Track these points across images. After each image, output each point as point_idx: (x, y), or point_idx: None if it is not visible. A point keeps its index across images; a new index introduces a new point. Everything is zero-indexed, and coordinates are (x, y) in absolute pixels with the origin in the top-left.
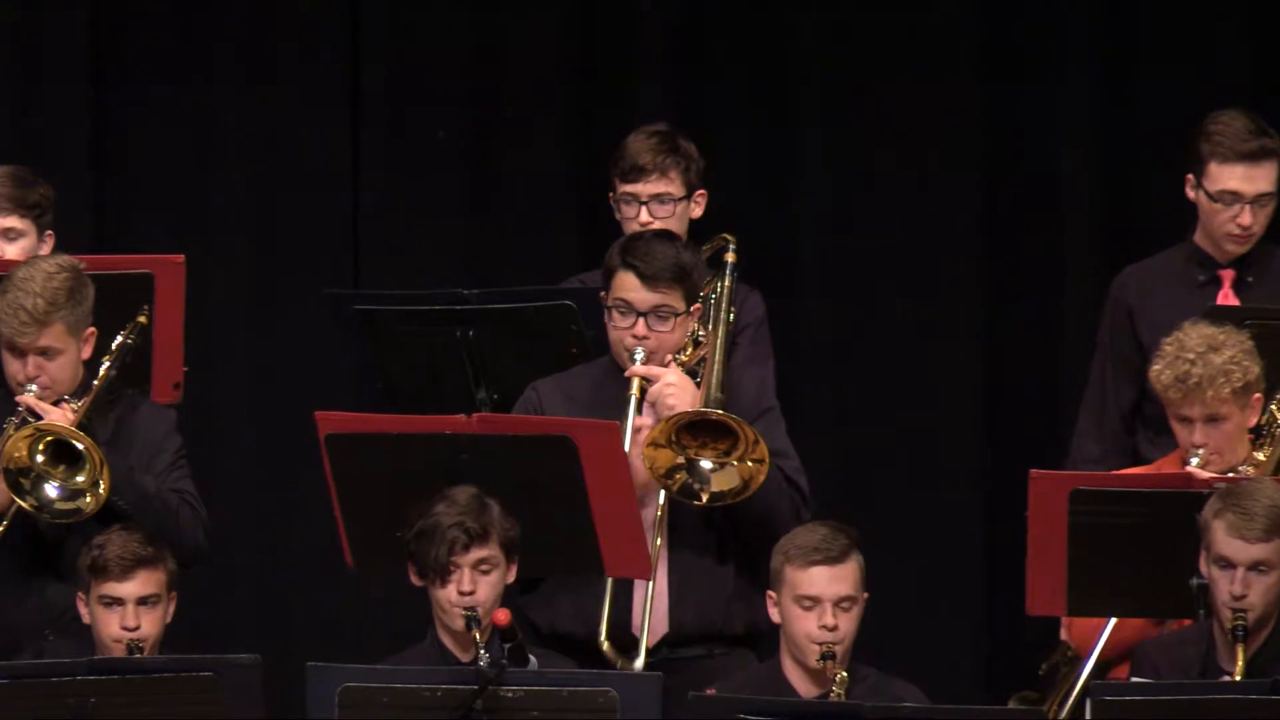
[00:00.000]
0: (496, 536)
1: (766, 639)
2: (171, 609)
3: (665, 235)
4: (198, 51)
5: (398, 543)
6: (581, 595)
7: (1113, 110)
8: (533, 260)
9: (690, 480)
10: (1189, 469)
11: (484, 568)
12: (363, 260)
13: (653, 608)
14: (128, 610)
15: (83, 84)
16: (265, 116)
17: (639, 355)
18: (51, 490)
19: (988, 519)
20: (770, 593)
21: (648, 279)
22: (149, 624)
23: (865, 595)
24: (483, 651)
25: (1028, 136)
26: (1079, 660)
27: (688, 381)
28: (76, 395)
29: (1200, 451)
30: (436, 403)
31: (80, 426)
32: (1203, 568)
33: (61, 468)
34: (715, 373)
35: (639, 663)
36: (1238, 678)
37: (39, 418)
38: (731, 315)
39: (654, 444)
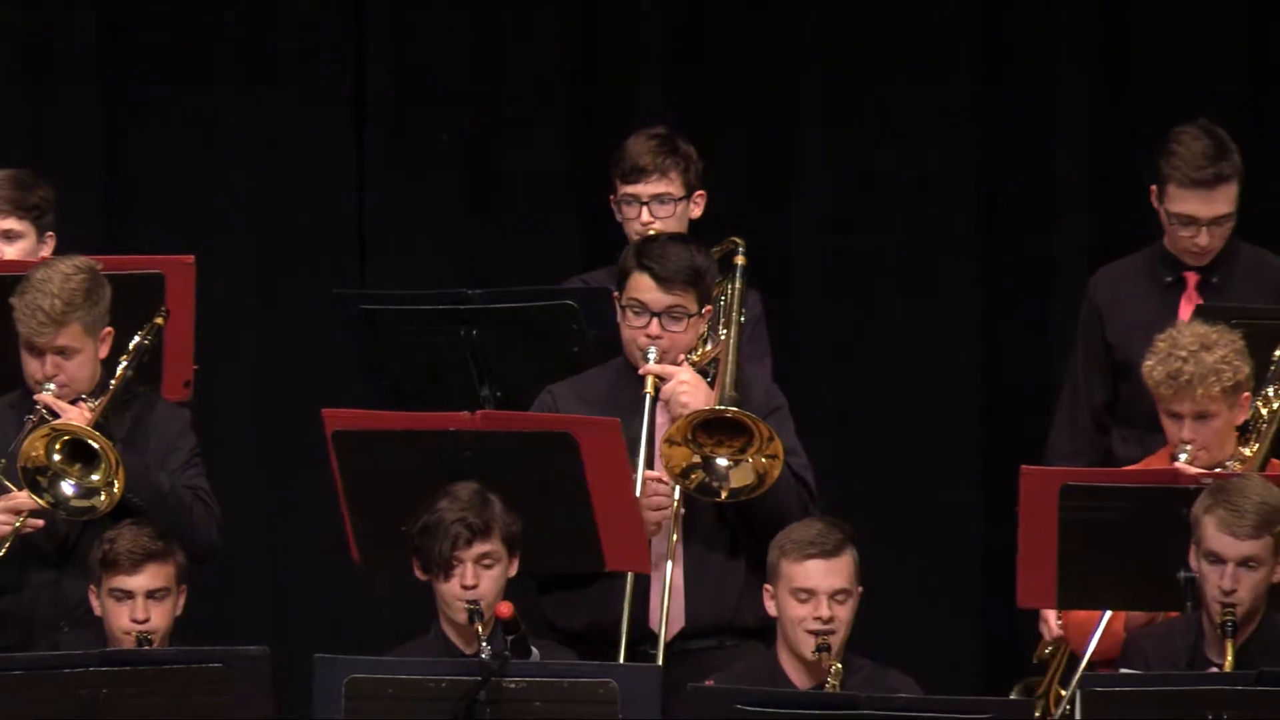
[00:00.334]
0: (498, 531)
1: (776, 631)
2: (181, 602)
3: (679, 238)
4: (203, 53)
5: (403, 538)
6: (596, 593)
7: (1108, 111)
8: (534, 260)
9: (708, 478)
10: (1177, 465)
11: (486, 562)
12: (367, 260)
13: (669, 603)
14: (137, 603)
15: (91, 85)
16: (270, 117)
17: (652, 354)
18: (68, 488)
19: (982, 515)
20: (767, 586)
21: (663, 280)
22: (159, 616)
23: (860, 589)
24: (484, 644)
25: (1025, 137)
26: (1062, 650)
27: (700, 380)
28: (94, 394)
29: (1188, 447)
30: (440, 401)
31: (97, 425)
32: (1193, 562)
33: (78, 466)
34: (730, 372)
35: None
36: (1227, 669)
37: (57, 416)
38: (743, 316)
39: (670, 442)
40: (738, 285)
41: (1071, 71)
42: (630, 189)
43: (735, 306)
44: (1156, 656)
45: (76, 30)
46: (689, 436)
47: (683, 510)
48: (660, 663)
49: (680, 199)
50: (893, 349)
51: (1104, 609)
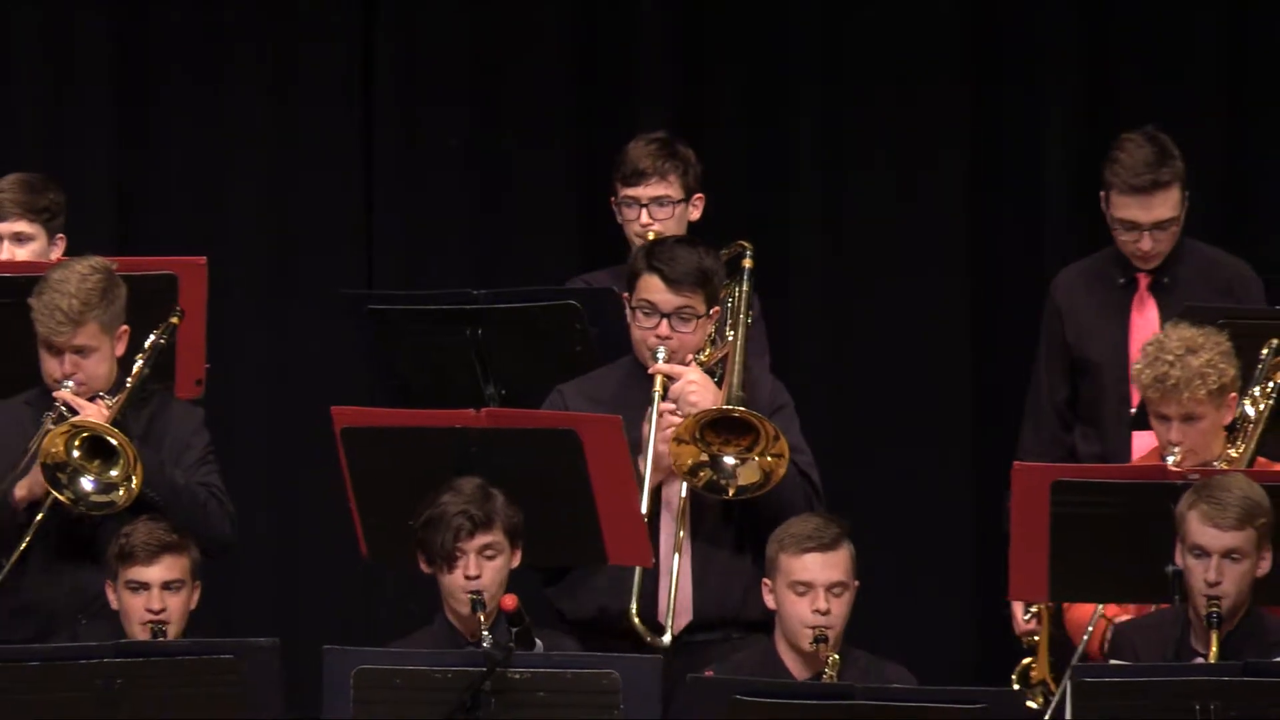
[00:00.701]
0: (500, 524)
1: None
2: (196, 596)
3: (688, 240)
4: (215, 57)
5: (410, 532)
6: (603, 586)
7: (1095, 113)
8: (537, 261)
9: (715, 476)
10: (1166, 465)
11: (489, 553)
12: (375, 261)
13: (677, 597)
14: (153, 594)
15: (104, 89)
16: (280, 121)
17: (661, 354)
18: (87, 484)
19: (975, 511)
20: (766, 579)
21: (672, 282)
22: (174, 608)
23: (856, 583)
24: (485, 633)
25: (1012, 138)
26: (1041, 637)
27: (708, 380)
28: (111, 392)
29: (1177, 449)
30: (446, 398)
31: (115, 422)
32: (1178, 556)
33: (97, 462)
34: (736, 372)
35: (667, 638)
36: (1212, 660)
37: (75, 413)
38: (750, 318)
39: (678, 440)
40: (745, 287)
41: (1059, 74)
42: (630, 192)
43: (742, 308)
44: (1145, 648)
45: (90, 34)
46: (697, 435)
47: (687, 508)
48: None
49: (679, 202)
50: (886, 347)
51: (1092, 601)
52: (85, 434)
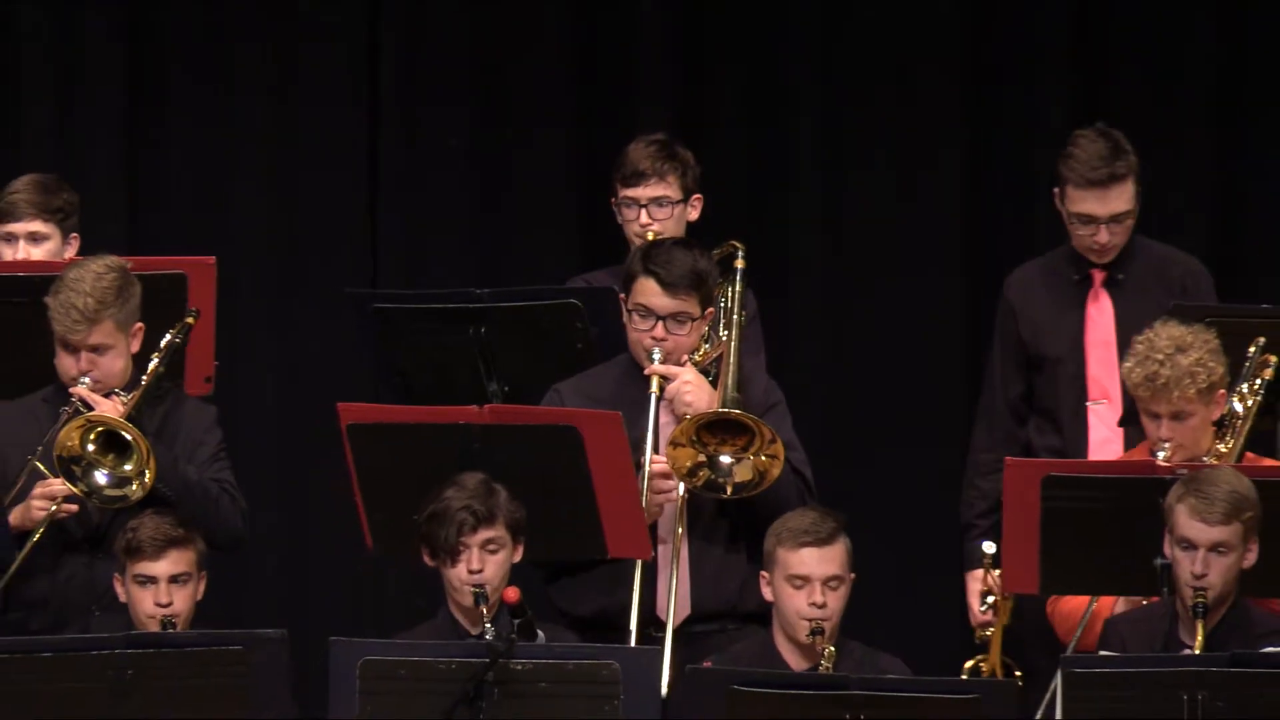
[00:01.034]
0: (503, 518)
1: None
2: (202, 587)
3: (682, 243)
4: (223, 61)
5: (414, 526)
6: (603, 580)
7: (1091, 113)
8: (538, 260)
9: (714, 475)
10: (1155, 460)
11: (491, 547)
12: (380, 261)
13: (676, 591)
14: (160, 588)
15: (115, 92)
16: (287, 123)
17: (657, 355)
18: (101, 477)
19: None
20: (764, 572)
21: (667, 285)
22: (180, 601)
23: (852, 576)
24: (487, 625)
25: (1010, 138)
26: (995, 630)
27: (703, 380)
28: (127, 389)
29: (1167, 446)
30: (450, 395)
31: (129, 418)
32: (1166, 549)
33: (111, 456)
34: (731, 373)
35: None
36: (1198, 651)
37: (91, 409)
38: (743, 317)
39: (674, 444)
40: (738, 288)
41: (1056, 75)
42: (630, 192)
43: (735, 308)
44: (1133, 639)
45: (101, 38)
46: (694, 437)
47: (685, 505)
48: (669, 648)
49: (678, 202)
50: (883, 345)
51: (1083, 594)
52: (100, 428)
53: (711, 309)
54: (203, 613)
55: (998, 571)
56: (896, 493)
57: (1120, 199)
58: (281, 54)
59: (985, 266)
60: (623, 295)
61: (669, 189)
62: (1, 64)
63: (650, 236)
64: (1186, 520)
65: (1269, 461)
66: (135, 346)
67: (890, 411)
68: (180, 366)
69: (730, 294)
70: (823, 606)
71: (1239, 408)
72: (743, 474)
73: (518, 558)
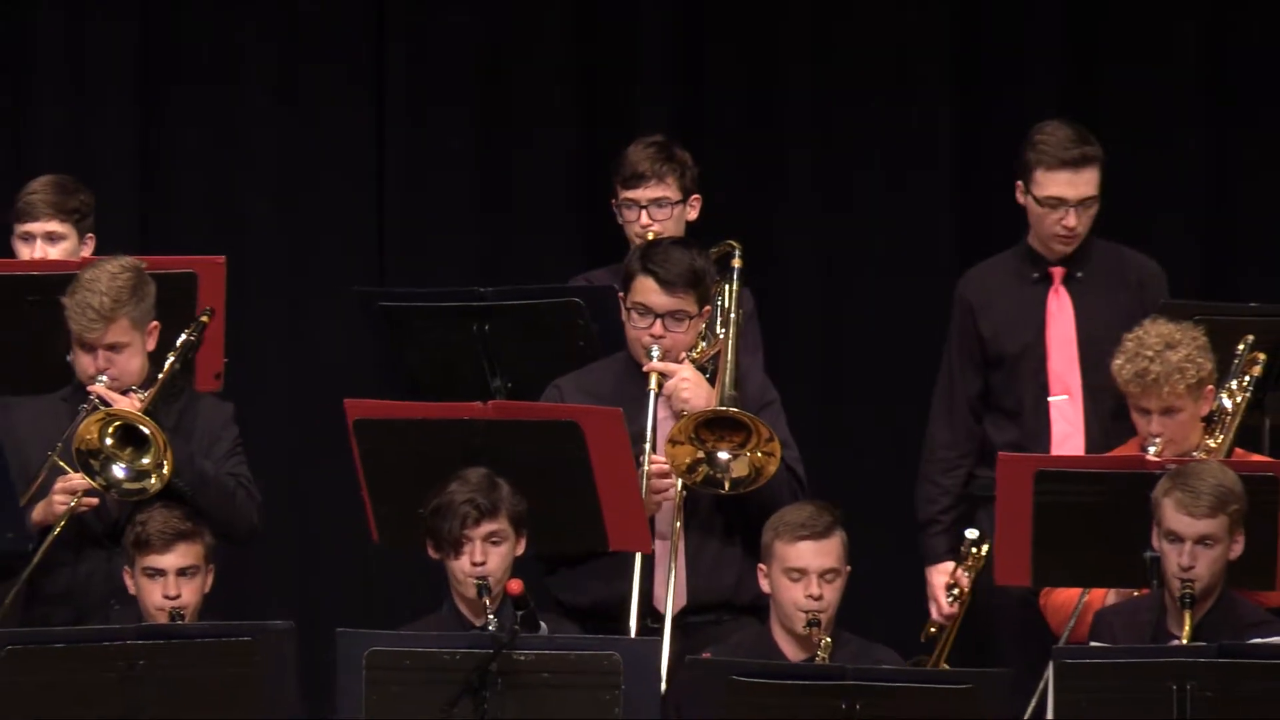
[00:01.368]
0: (505, 512)
1: (770, 607)
2: (210, 579)
3: (680, 242)
4: (232, 64)
5: (419, 520)
6: (602, 572)
7: (1079, 115)
8: (540, 259)
9: (711, 471)
10: (1144, 456)
11: (494, 539)
12: (386, 260)
13: (674, 583)
14: (169, 580)
15: (128, 95)
16: (295, 125)
17: (655, 353)
18: (119, 471)
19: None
20: (761, 565)
21: (666, 284)
22: (189, 593)
23: (848, 568)
24: (490, 616)
25: (999, 139)
26: (950, 626)
27: (700, 377)
28: (143, 386)
29: (1157, 440)
30: (454, 392)
31: (146, 414)
32: (1155, 542)
33: (129, 450)
34: (729, 371)
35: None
36: (1185, 641)
37: (109, 405)
38: (740, 316)
39: (673, 441)
40: (734, 286)
41: (1045, 78)
42: (630, 193)
43: (733, 307)
44: (1123, 630)
45: (110, 42)
46: (692, 435)
47: (682, 500)
48: (667, 638)
49: (677, 202)
50: (875, 341)
51: (1074, 586)
52: (118, 423)
53: (709, 307)
54: (213, 605)
55: (969, 561)
56: (889, 487)
57: (1089, 183)
58: (289, 57)
59: (969, 263)
60: (622, 294)
61: (668, 190)
62: (17, 67)
63: (650, 237)
64: (1173, 514)
65: (1257, 457)
66: (151, 344)
67: (882, 408)
68: (191, 363)
69: (728, 292)
70: (819, 599)
71: (1228, 404)
72: (740, 470)
73: (520, 551)
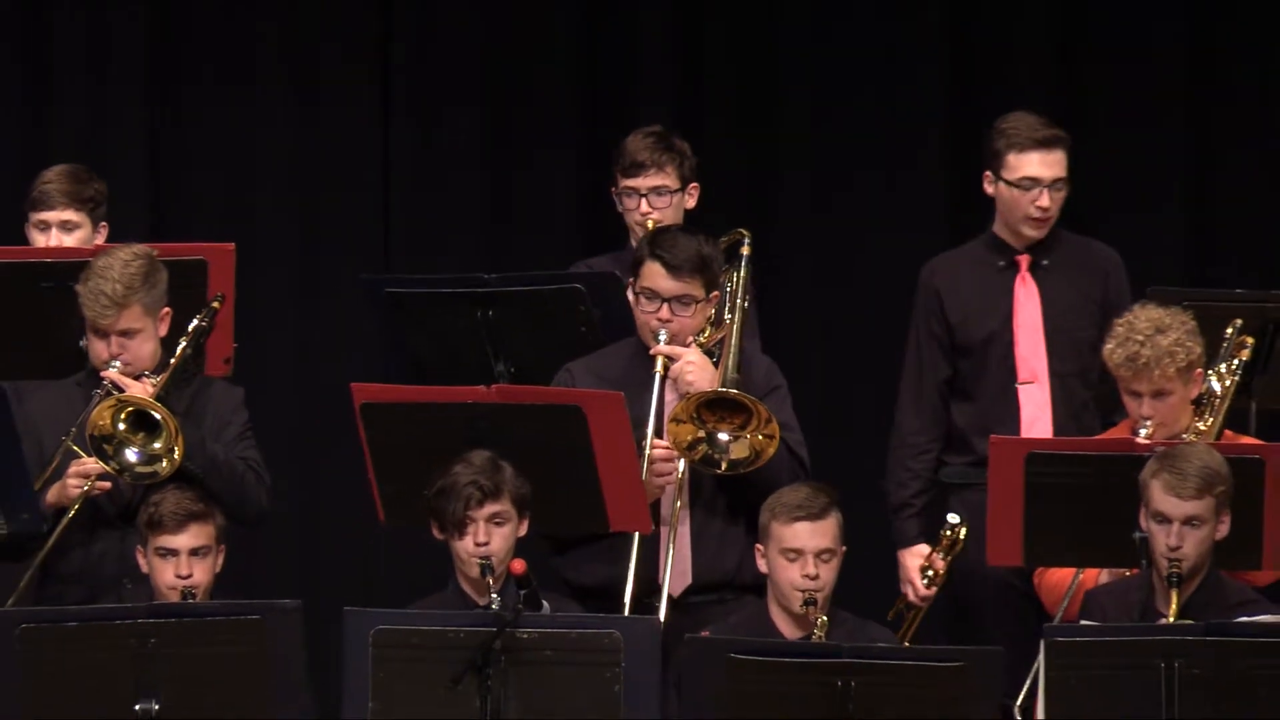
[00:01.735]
0: (508, 493)
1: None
2: (220, 560)
3: (688, 229)
4: (243, 58)
5: (424, 501)
6: (610, 552)
7: (1067, 110)
8: (542, 247)
9: (710, 451)
10: (1134, 439)
11: (497, 520)
12: (392, 247)
13: (675, 563)
14: (181, 560)
15: (140, 87)
16: (304, 118)
17: (663, 336)
18: (131, 455)
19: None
20: (758, 545)
21: (673, 269)
22: (200, 573)
23: (844, 549)
24: (494, 595)
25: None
26: (921, 607)
27: (706, 360)
28: (155, 372)
29: (1148, 423)
30: (459, 376)
31: (158, 399)
32: (1143, 523)
33: (141, 435)
34: (732, 355)
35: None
36: (1172, 619)
37: (122, 391)
38: (746, 302)
39: (675, 419)
40: (742, 274)
41: (1032, 75)
42: (630, 182)
43: (740, 293)
44: (1113, 609)
45: (125, 35)
46: (694, 414)
47: (686, 481)
48: (663, 615)
49: (676, 191)
50: (872, 327)
51: (1065, 566)
52: (131, 408)
53: (716, 293)
54: (222, 583)
55: (944, 544)
56: (883, 471)
57: (1059, 163)
58: (300, 52)
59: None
60: (630, 279)
61: (667, 179)
62: (32, 60)
63: (650, 225)
64: (1160, 495)
65: (1246, 439)
66: (163, 330)
67: (878, 392)
68: (202, 349)
69: (735, 279)
70: (815, 578)
71: (1217, 387)
72: (739, 451)
73: (523, 531)
